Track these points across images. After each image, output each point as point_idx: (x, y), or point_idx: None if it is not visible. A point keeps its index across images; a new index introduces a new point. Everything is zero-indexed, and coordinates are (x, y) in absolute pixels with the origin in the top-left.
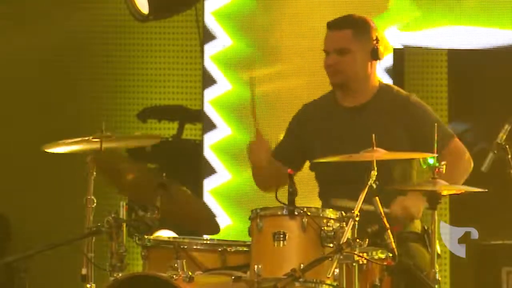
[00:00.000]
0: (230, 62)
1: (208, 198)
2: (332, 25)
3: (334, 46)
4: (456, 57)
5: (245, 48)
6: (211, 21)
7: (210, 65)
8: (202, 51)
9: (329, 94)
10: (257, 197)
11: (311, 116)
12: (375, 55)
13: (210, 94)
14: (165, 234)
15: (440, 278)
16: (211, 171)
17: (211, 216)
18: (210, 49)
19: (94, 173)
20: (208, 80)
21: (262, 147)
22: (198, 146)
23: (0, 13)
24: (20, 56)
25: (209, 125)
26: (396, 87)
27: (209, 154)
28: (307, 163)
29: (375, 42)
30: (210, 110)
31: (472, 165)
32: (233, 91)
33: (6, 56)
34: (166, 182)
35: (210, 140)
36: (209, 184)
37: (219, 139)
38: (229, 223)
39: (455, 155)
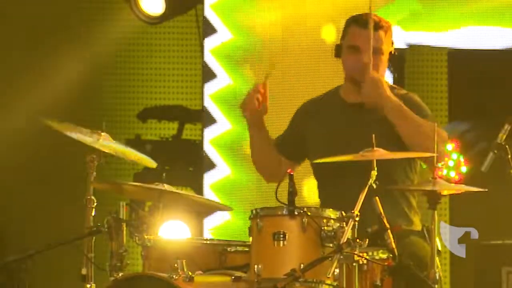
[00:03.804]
0: (230, 56)
1: (209, 193)
2: (362, 22)
3: (367, 45)
4: (456, 57)
5: (245, 42)
6: (211, 15)
7: (210, 59)
8: (201, 46)
9: (333, 90)
10: (257, 192)
11: (314, 110)
12: (391, 58)
13: (210, 88)
14: (175, 224)
15: (441, 275)
16: (211, 165)
17: None
18: (210, 43)
19: (94, 173)
20: (208, 75)
21: (256, 94)
22: (198, 144)
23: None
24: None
25: (209, 120)
26: (397, 87)
27: (209, 149)
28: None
29: (393, 45)
30: (210, 104)
31: (446, 141)
32: (233, 85)
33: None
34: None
35: (210, 135)
36: (209, 179)
37: (219, 134)
38: (229, 219)
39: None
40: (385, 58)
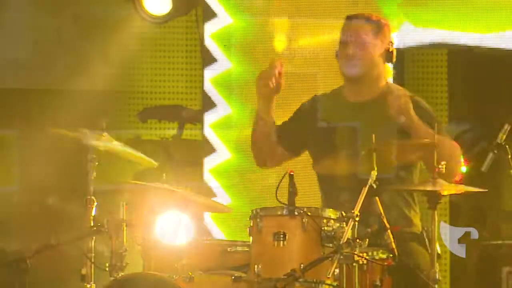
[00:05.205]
0: (229, 85)
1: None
2: (354, 17)
3: (354, 37)
4: (456, 57)
5: (244, 69)
6: (210, 44)
7: (211, 89)
8: (202, 57)
9: (338, 89)
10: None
11: (317, 107)
12: (389, 57)
13: (211, 118)
14: (173, 214)
15: (440, 278)
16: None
17: None
18: (210, 71)
19: (94, 173)
20: (208, 104)
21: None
22: (198, 147)
23: None
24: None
25: (209, 150)
26: (402, 89)
27: (209, 177)
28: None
29: (390, 44)
30: (210, 133)
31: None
32: (233, 114)
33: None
34: None
35: (210, 163)
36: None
37: (219, 163)
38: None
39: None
40: (375, 53)
